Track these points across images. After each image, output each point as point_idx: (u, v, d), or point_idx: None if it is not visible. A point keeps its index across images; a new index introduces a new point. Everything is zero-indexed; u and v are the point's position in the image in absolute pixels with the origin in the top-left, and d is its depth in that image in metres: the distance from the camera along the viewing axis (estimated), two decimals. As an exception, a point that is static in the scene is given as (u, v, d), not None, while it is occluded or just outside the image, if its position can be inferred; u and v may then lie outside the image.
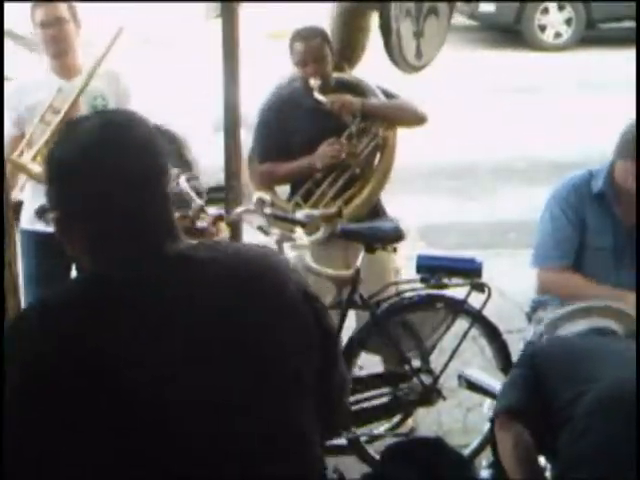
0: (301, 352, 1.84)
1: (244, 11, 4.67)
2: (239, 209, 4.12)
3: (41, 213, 3.78)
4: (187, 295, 1.74)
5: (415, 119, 4.56)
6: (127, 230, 1.76)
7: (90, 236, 1.77)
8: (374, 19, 4.87)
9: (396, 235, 4.17)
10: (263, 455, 1.76)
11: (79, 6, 4.29)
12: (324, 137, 4.34)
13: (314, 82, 4.31)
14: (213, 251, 1.83)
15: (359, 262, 4.08)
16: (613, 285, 3.76)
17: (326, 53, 4.38)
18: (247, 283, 1.81)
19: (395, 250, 4.23)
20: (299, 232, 3.98)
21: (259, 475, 1.75)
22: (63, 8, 4.13)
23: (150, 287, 1.74)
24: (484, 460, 3.21)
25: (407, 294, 4.16)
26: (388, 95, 4.56)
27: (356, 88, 4.49)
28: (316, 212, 4.23)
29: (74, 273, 4.21)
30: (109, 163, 1.73)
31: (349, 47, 5.04)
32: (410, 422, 4.36)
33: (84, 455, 1.64)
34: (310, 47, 4.34)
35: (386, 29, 4.69)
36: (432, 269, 4.09)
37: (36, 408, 1.65)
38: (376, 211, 4.53)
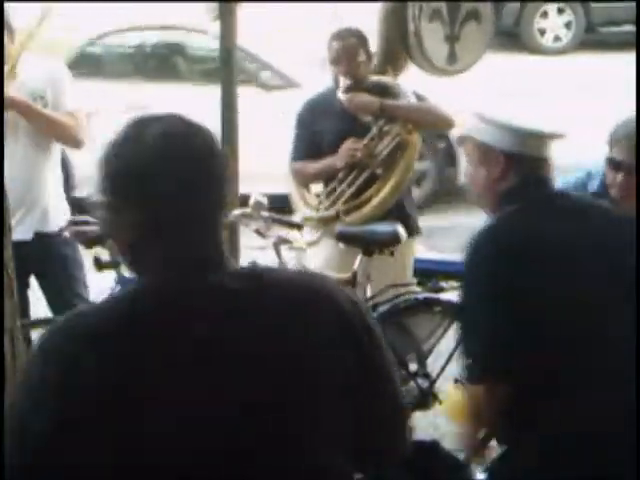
0: (335, 391, 1.77)
1: (243, 11, 4.67)
2: (236, 212, 4.12)
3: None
4: (221, 328, 1.70)
5: (441, 122, 4.57)
6: (177, 248, 1.73)
7: (141, 242, 1.74)
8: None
9: (394, 238, 4.17)
10: None
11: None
12: (350, 137, 4.36)
13: (343, 81, 4.34)
14: (254, 281, 1.76)
15: (356, 265, 4.08)
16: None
17: (359, 54, 4.39)
18: (286, 316, 1.75)
19: (392, 254, 4.22)
20: (296, 235, 3.99)
21: None
22: None
23: (174, 314, 1.70)
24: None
25: (404, 297, 4.16)
26: (419, 98, 4.55)
27: (388, 91, 4.49)
28: (314, 215, 4.23)
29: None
30: (174, 170, 1.71)
31: (394, 50, 4.99)
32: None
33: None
34: (344, 46, 4.37)
35: (403, 30, 4.68)
36: (430, 272, 4.09)
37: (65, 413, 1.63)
38: (400, 212, 4.51)
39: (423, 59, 4.73)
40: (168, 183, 1.70)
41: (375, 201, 4.40)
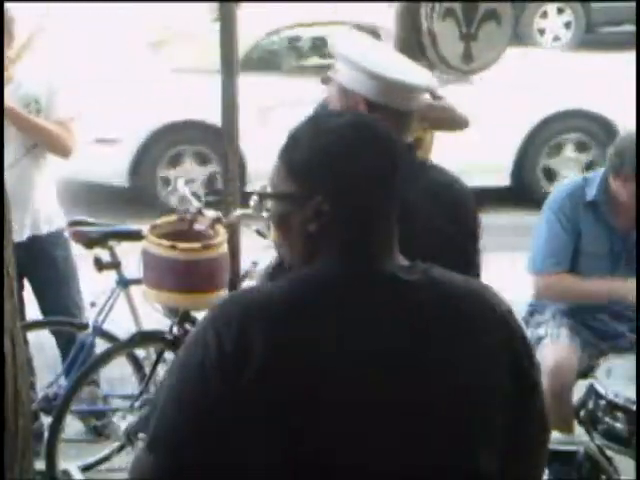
0: (491, 402, 1.75)
1: (243, 11, 4.67)
2: (237, 212, 4.12)
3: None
4: (393, 318, 1.70)
5: (457, 122, 4.53)
6: (356, 239, 1.74)
7: (321, 232, 1.73)
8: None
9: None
10: None
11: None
12: None
13: None
14: (424, 275, 1.76)
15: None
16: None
17: None
18: (454, 320, 1.74)
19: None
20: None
21: None
22: None
23: (349, 304, 1.70)
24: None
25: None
26: (435, 97, 4.52)
27: None
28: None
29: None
30: (364, 161, 1.73)
31: (408, 48, 4.99)
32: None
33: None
34: None
35: (416, 28, 4.68)
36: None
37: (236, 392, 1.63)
38: None
39: (438, 58, 4.72)
40: (357, 174, 1.72)
41: None
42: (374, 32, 4.43)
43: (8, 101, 3.99)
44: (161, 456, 1.67)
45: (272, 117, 7.54)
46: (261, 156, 8.29)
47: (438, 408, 1.69)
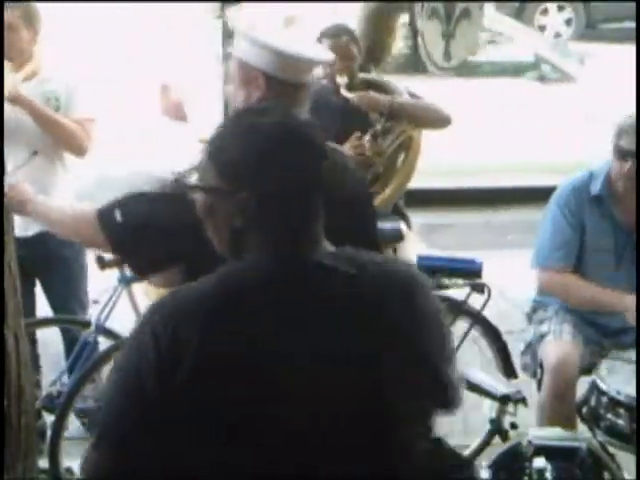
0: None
1: (244, 11, 4.67)
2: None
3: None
4: (316, 305, 1.79)
5: (441, 121, 4.57)
6: (282, 233, 1.82)
7: (247, 226, 1.82)
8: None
9: (396, 235, 4.16)
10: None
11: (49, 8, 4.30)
12: (349, 135, 4.36)
13: (341, 80, 4.33)
14: (352, 264, 1.84)
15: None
16: (612, 286, 3.75)
17: (353, 51, 4.41)
18: (362, 298, 1.83)
19: (395, 251, 4.22)
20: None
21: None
22: (14, 15, 4.08)
23: (281, 292, 1.78)
24: (484, 461, 3.21)
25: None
26: (413, 96, 4.56)
27: (383, 88, 4.50)
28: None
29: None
30: (288, 162, 1.80)
31: (377, 48, 5.03)
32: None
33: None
34: (338, 45, 4.37)
35: (413, 29, 4.72)
36: (432, 270, 4.08)
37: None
38: (397, 211, 4.54)
39: (427, 57, 4.77)
40: (282, 172, 1.80)
41: (379, 198, 4.40)
42: (350, 30, 4.46)
43: (29, 95, 4.05)
44: (106, 454, 1.74)
45: None
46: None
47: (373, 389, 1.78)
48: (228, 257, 1.87)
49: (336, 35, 4.41)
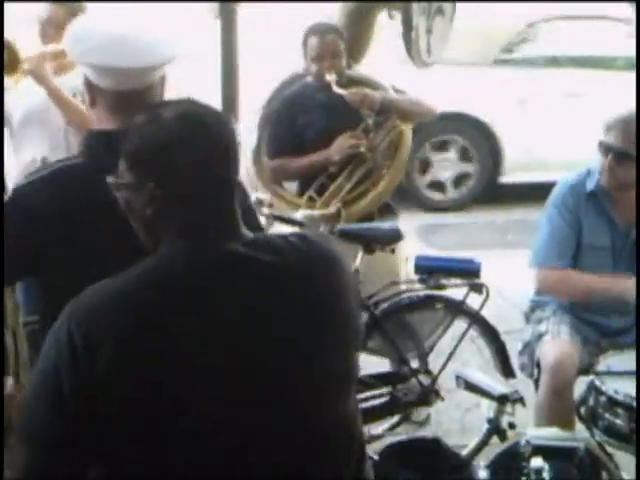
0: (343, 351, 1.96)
1: (243, 11, 4.68)
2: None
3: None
4: (233, 293, 1.81)
5: (427, 113, 4.64)
6: (193, 222, 1.85)
7: (158, 216, 1.86)
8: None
9: (394, 236, 4.17)
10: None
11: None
12: (337, 132, 4.38)
13: (330, 77, 4.34)
14: (270, 251, 1.88)
15: (357, 262, 4.08)
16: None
17: (340, 48, 4.42)
18: (284, 283, 1.88)
19: (393, 251, 4.23)
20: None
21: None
22: (59, 12, 4.17)
23: (195, 281, 1.80)
24: (482, 460, 3.21)
25: (405, 295, 4.16)
26: (397, 91, 4.59)
27: (368, 83, 4.53)
28: (316, 212, 4.23)
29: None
30: (189, 151, 1.84)
31: (358, 43, 5.07)
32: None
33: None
34: (326, 42, 4.39)
35: (408, 25, 4.74)
36: (430, 270, 4.09)
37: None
38: (387, 208, 4.56)
39: (416, 53, 4.83)
40: (183, 160, 1.83)
41: (372, 194, 4.41)
42: (336, 28, 4.47)
43: (57, 83, 4.11)
44: (32, 448, 1.79)
45: (528, 109, 7.86)
46: (519, 149, 8.46)
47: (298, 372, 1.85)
48: (151, 250, 1.91)
49: (324, 32, 4.43)
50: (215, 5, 5.02)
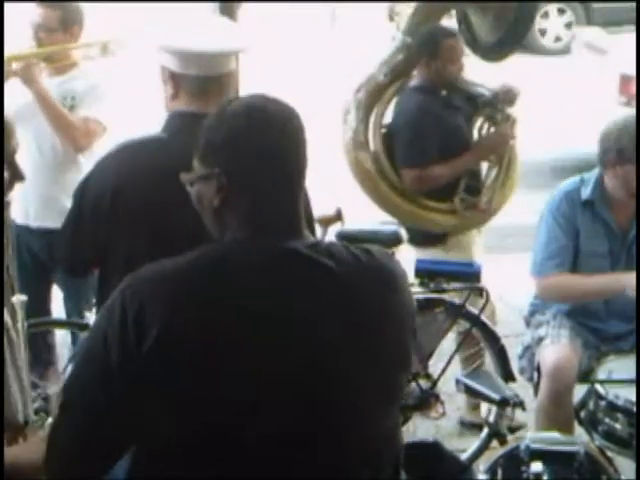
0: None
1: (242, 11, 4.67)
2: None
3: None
4: (286, 291, 1.82)
5: None
6: (258, 216, 1.87)
7: (225, 207, 1.88)
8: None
9: (395, 239, 4.16)
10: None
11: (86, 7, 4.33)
12: (470, 133, 4.49)
13: (464, 77, 4.51)
14: (331, 258, 1.88)
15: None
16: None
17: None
18: (334, 292, 1.86)
19: (393, 254, 4.22)
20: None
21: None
22: (52, 16, 4.14)
23: (247, 275, 1.81)
24: (482, 465, 3.21)
25: (405, 298, 4.15)
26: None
27: (469, 84, 4.64)
28: (315, 215, 4.22)
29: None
30: (255, 143, 1.86)
31: None
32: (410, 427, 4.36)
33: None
34: (459, 44, 4.53)
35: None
36: (431, 273, 4.08)
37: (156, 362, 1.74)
38: None
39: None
40: (247, 148, 1.86)
41: (508, 183, 4.59)
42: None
43: (46, 86, 4.11)
44: (73, 417, 1.80)
45: None
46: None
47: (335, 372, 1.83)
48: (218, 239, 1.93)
49: (455, 35, 4.55)
50: (215, 5, 5.02)
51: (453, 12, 4.99)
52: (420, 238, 4.48)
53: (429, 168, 4.43)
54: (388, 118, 4.68)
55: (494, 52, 4.94)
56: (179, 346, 1.74)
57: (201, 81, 2.60)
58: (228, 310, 1.78)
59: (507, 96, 4.49)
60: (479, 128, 4.61)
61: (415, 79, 4.62)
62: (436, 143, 4.42)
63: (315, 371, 1.81)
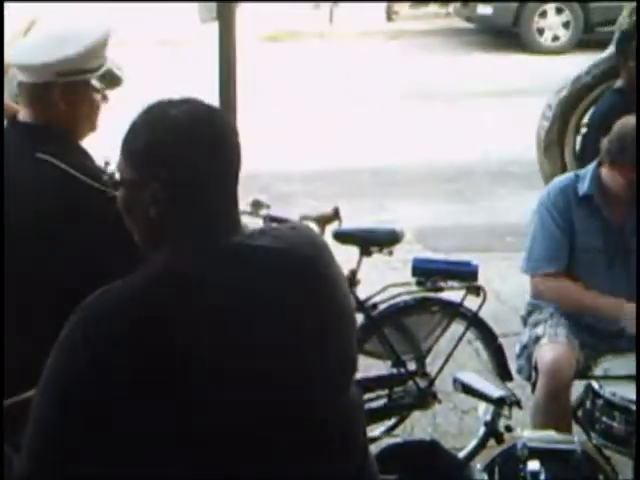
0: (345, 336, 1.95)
1: (240, 13, 4.67)
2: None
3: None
4: (242, 284, 1.81)
5: None
6: (199, 220, 1.84)
7: (162, 215, 1.84)
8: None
9: (392, 238, 4.17)
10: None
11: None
12: None
13: None
14: (267, 238, 1.89)
15: (355, 264, 4.08)
16: (605, 286, 3.76)
17: None
18: (296, 268, 1.88)
19: (391, 253, 4.23)
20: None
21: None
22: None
23: (209, 279, 1.79)
24: (479, 463, 3.21)
25: (403, 297, 4.16)
26: None
27: None
28: (313, 214, 4.23)
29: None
30: (194, 150, 1.83)
31: None
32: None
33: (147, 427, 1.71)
34: None
35: None
36: (428, 272, 4.09)
37: (106, 388, 1.70)
38: None
39: None
40: (191, 156, 1.82)
41: None
42: None
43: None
44: (32, 466, 1.73)
45: None
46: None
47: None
48: (146, 249, 1.90)
49: None
50: (213, 5, 5.03)
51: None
52: None
53: None
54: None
55: None
56: (145, 369, 1.71)
57: (31, 87, 2.66)
58: (189, 322, 1.74)
59: None
60: None
61: (619, 81, 4.70)
62: None
63: (287, 355, 1.82)
